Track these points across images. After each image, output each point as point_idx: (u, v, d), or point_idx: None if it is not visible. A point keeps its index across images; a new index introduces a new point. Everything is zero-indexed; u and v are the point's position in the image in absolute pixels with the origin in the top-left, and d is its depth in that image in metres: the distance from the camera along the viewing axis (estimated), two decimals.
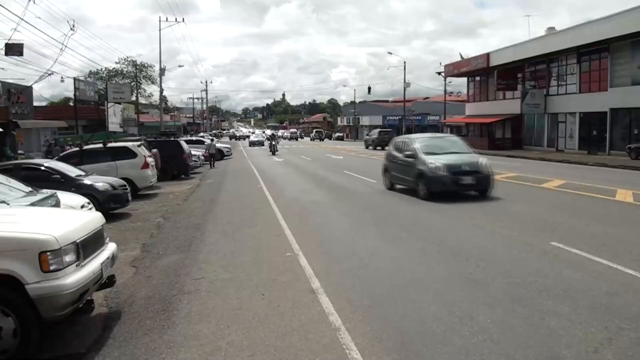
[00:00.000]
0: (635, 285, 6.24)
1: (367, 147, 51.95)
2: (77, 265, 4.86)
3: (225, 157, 37.42)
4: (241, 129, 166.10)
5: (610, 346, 4.58)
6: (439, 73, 57.86)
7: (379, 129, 58.03)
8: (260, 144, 64.21)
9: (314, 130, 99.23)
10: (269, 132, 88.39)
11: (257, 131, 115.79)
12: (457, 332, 4.95)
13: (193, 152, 26.81)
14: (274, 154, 41.59)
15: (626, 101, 31.76)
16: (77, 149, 17.70)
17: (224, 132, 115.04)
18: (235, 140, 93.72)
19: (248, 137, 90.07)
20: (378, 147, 47.01)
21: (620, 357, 4.37)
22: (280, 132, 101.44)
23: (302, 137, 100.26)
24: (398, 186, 15.96)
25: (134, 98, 60.35)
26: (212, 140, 37.59)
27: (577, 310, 5.44)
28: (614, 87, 33.00)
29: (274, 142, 44.23)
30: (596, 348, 4.54)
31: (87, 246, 5.12)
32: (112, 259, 5.78)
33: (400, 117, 70.44)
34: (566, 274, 6.76)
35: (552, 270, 6.95)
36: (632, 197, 13.77)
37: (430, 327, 5.10)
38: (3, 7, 24.17)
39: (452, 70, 54.34)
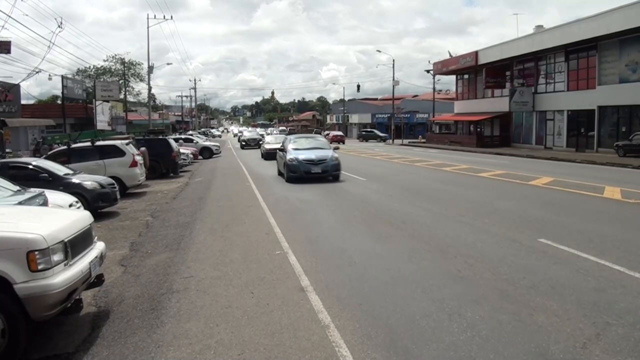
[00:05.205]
0: (623, 282, 6.31)
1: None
2: (65, 265, 4.83)
3: (214, 156, 37.36)
4: (231, 127, 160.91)
5: (598, 342, 4.63)
6: (428, 71, 58.19)
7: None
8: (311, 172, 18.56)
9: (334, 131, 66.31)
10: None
11: (259, 130, 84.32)
12: (445, 329, 4.97)
13: (182, 150, 26.74)
14: None
15: (614, 99, 32.07)
16: (65, 147, 17.54)
17: (213, 130, 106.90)
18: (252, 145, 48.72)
19: (256, 140, 48.71)
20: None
21: (608, 352, 4.42)
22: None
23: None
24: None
25: (122, 96, 59.92)
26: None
27: (565, 306, 5.49)
28: (601, 85, 33.28)
29: None
30: (584, 344, 4.58)
31: (75, 245, 5.09)
32: (101, 258, 5.75)
33: (389, 115, 70.46)
34: (554, 271, 6.81)
35: (540, 267, 7.00)
36: (620, 194, 13.91)
37: (419, 324, 5.12)
38: None
39: (441, 68, 54.56)
